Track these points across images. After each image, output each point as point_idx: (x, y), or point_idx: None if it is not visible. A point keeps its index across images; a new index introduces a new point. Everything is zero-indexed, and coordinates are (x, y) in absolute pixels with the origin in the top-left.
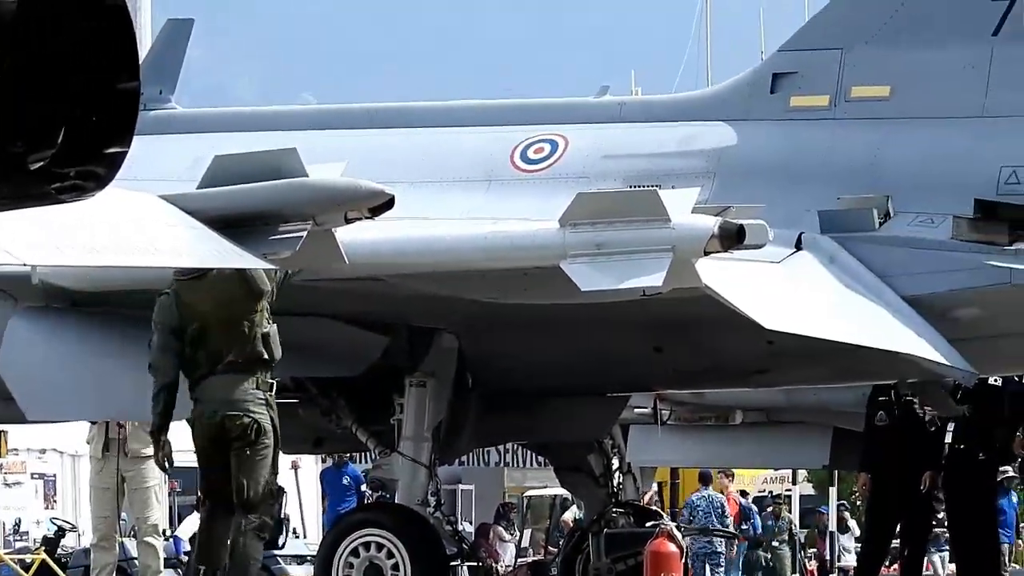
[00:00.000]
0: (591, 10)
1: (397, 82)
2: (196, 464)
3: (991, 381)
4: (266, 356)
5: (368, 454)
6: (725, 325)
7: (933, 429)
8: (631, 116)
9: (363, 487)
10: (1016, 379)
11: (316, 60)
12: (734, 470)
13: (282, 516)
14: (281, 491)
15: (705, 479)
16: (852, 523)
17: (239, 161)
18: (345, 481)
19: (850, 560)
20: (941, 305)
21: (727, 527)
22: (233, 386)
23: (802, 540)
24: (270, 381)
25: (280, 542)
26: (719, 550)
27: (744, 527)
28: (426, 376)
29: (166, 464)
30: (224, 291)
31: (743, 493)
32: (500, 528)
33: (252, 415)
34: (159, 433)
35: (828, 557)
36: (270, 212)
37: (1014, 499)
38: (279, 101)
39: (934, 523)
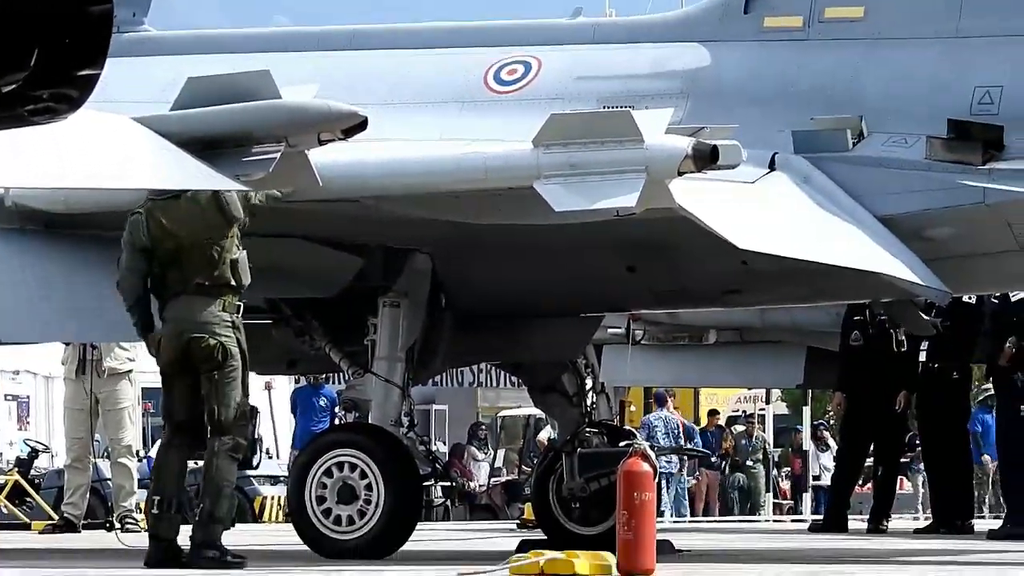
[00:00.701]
0: None
1: (370, 5)
2: None
3: (965, 300)
4: (233, 282)
5: (342, 375)
6: (699, 245)
7: (905, 349)
8: (605, 37)
9: (336, 409)
10: (994, 298)
11: None
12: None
13: (255, 437)
14: (254, 412)
15: (660, 400)
16: (832, 442)
17: (212, 83)
18: (322, 402)
19: (828, 480)
20: (915, 225)
21: (692, 447)
22: (199, 308)
23: (776, 459)
24: (237, 303)
25: (254, 463)
26: (673, 471)
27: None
28: (400, 297)
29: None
30: (197, 214)
31: (712, 412)
32: (472, 448)
33: (218, 338)
34: (146, 333)
35: (803, 476)
36: (243, 134)
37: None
38: (253, 24)
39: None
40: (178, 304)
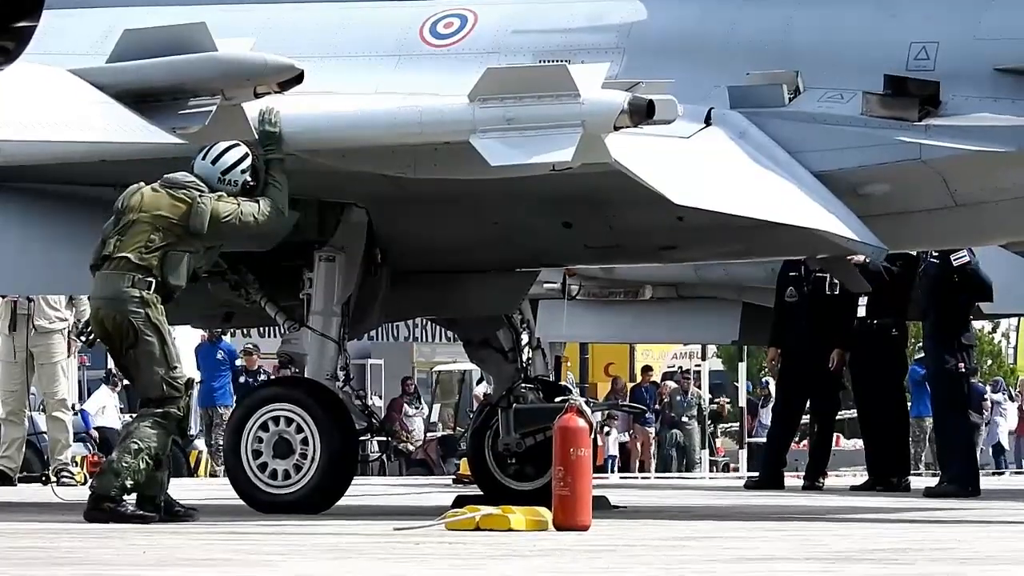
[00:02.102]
0: None
1: None
2: None
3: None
4: (156, 274)
5: (277, 329)
6: (634, 200)
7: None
8: None
9: (237, 362)
10: (933, 255)
11: None
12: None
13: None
14: (190, 383)
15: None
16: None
17: (148, 36)
18: (219, 356)
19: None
20: (851, 181)
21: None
22: (110, 284)
23: (712, 416)
24: (148, 280)
25: (189, 434)
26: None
27: None
28: (335, 251)
29: None
30: (166, 202)
31: (647, 369)
32: (403, 402)
33: (126, 315)
34: None
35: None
36: (178, 87)
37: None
38: None
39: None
40: (96, 279)
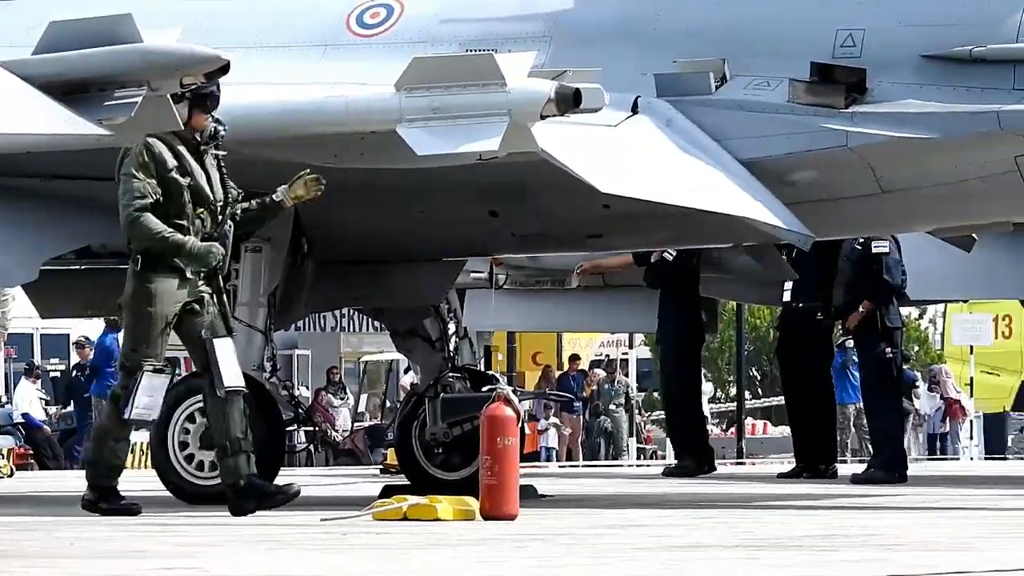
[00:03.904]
0: None
1: None
2: (30, 330)
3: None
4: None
5: None
6: (561, 189)
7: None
8: None
9: None
10: (858, 243)
11: None
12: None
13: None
14: (173, 364)
15: None
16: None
17: (74, 27)
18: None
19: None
20: (778, 168)
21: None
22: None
23: (640, 403)
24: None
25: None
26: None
27: None
28: (262, 242)
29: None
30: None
31: (574, 357)
32: (332, 393)
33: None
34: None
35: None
36: (105, 78)
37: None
38: None
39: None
40: None
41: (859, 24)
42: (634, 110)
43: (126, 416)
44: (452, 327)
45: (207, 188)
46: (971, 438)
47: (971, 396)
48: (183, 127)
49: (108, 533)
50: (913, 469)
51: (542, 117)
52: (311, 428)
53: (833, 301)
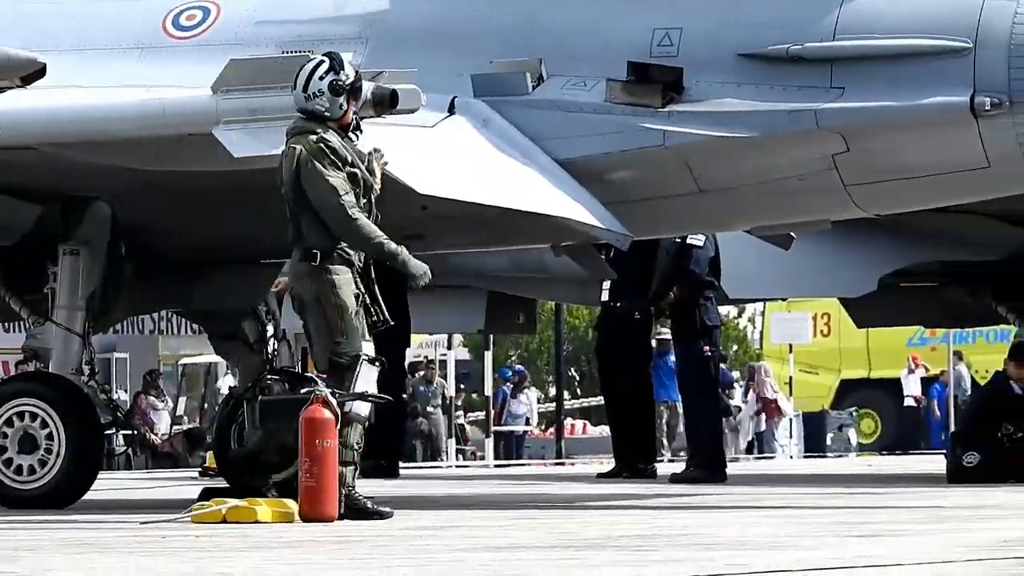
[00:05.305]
0: None
1: None
2: None
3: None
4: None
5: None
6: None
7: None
8: None
9: None
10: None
11: None
12: None
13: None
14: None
15: None
16: (531, 390)
17: None
18: None
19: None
20: (595, 168)
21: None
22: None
23: (459, 404)
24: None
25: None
26: None
27: None
28: (80, 245)
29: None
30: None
31: None
32: (151, 397)
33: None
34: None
35: (486, 421)
36: None
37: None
38: None
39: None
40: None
41: (676, 23)
42: (451, 111)
43: (355, 412)
44: (271, 329)
45: (370, 177)
46: (790, 436)
47: (790, 395)
48: (342, 119)
49: None
50: (732, 468)
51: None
52: (130, 431)
53: (651, 300)
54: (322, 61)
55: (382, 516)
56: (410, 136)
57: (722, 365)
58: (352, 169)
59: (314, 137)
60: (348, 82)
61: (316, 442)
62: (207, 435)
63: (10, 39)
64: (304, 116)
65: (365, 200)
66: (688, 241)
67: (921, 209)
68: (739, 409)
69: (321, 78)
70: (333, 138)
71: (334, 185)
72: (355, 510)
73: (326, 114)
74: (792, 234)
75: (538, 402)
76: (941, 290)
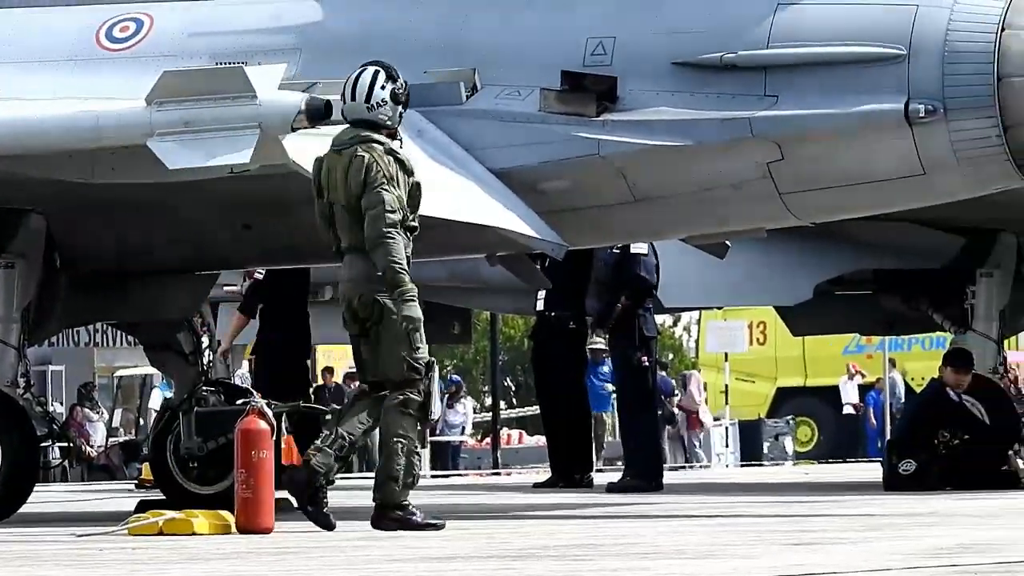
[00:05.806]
0: None
1: None
2: None
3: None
4: None
5: None
6: (313, 202)
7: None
8: None
9: None
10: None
11: None
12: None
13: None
14: (431, 365)
15: None
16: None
17: None
18: None
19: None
20: (530, 178)
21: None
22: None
23: None
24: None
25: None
26: None
27: None
28: (14, 258)
29: None
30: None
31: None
32: (86, 409)
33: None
34: None
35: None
36: None
37: (606, 369)
38: None
39: None
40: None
41: (610, 32)
42: None
43: (435, 417)
44: (206, 340)
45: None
46: (726, 445)
47: (726, 403)
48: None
49: None
50: (669, 477)
51: (293, 129)
52: (65, 444)
53: (587, 309)
54: (378, 71)
55: (435, 528)
56: None
57: (662, 373)
58: (416, 179)
59: (381, 148)
60: (405, 91)
61: (252, 453)
62: (143, 447)
63: None
64: (357, 125)
65: (414, 215)
66: (632, 250)
67: (857, 217)
68: (675, 417)
69: (383, 87)
70: (399, 149)
71: (387, 199)
72: (403, 523)
73: (388, 123)
74: (727, 243)
75: (474, 412)
76: (877, 298)
